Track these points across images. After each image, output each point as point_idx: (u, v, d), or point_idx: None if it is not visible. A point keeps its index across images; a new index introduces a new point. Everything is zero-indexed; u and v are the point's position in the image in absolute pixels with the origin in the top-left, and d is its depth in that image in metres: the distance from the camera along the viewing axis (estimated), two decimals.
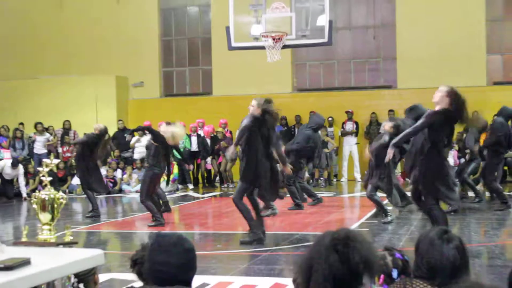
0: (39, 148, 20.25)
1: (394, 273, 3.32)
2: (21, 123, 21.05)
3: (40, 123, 20.50)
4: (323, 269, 2.43)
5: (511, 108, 13.26)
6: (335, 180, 20.55)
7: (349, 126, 20.74)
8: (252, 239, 9.31)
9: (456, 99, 7.95)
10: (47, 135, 20.55)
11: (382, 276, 3.30)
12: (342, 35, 21.81)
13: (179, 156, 15.50)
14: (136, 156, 20.01)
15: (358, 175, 20.37)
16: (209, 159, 20.14)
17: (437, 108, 8.08)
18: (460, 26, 20.39)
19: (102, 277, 6.60)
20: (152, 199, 11.87)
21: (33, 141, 20.36)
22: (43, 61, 23.44)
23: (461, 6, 20.43)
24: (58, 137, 20.97)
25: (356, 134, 20.66)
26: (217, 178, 20.51)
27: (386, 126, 11.36)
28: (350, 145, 20.63)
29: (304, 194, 14.01)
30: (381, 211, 11.40)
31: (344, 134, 20.72)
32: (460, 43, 20.31)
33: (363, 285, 2.45)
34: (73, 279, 3.68)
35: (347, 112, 20.67)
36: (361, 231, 10.25)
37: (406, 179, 19.76)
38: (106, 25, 23.15)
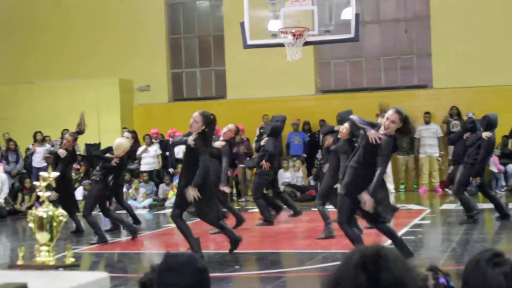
0: (39, 161, 19.97)
1: None
2: (7, 133, 21.10)
3: (40, 132, 20.53)
4: None
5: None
6: None
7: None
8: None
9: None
10: (48, 146, 20.47)
11: None
12: (370, 30, 21.76)
13: None
14: (144, 168, 20.01)
15: (391, 186, 20.26)
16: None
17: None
18: (503, 18, 20.27)
19: None
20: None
21: (32, 153, 20.23)
22: (38, 64, 23.57)
23: None
24: (57, 147, 21.01)
25: None
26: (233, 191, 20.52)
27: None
28: None
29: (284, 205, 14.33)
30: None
31: None
32: (502, 37, 20.20)
33: None
34: None
35: (377, 115, 20.55)
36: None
37: (446, 189, 19.66)
38: (107, 23, 23.26)
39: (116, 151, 12.59)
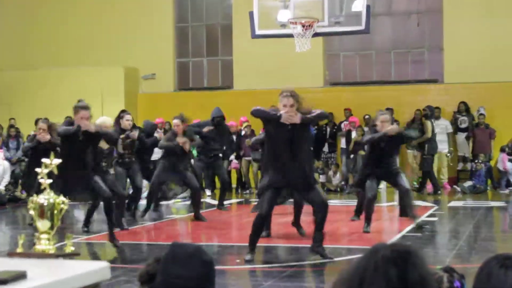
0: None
1: None
2: (12, 118, 21.14)
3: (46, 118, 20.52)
4: (379, 284, 2.39)
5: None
6: None
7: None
8: None
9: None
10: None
11: None
12: (381, 22, 21.71)
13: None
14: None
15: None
16: (232, 157, 20.02)
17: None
18: None
19: None
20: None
21: None
22: (42, 50, 23.59)
23: None
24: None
25: None
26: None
27: None
28: None
29: None
30: None
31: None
32: None
33: None
34: None
35: (386, 109, 20.54)
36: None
37: (454, 186, 19.63)
38: (113, 9, 23.25)
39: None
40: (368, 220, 11.48)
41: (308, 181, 8.92)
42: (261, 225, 9.19)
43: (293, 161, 8.81)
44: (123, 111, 13.78)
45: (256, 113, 9.06)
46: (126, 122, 13.23)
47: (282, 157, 8.84)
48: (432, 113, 19.87)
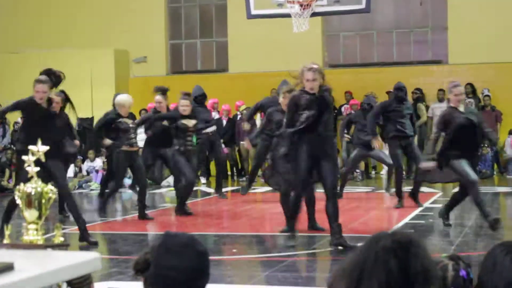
0: None
1: None
2: None
3: None
4: (379, 275, 2.40)
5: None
6: (373, 172, 20.47)
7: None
8: None
9: None
10: None
11: None
12: (383, 1, 21.66)
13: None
14: (139, 144, 19.96)
15: None
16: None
17: None
18: None
19: (98, 286, 6.62)
20: None
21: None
22: (28, 32, 23.49)
23: None
24: None
25: None
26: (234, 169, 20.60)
27: None
28: None
29: None
30: None
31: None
32: None
33: None
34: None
35: (388, 92, 20.53)
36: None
37: None
38: None
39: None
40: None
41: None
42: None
43: None
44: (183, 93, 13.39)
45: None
46: (180, 108, 12.73)
47: None
48: (423, 95, 20.04)
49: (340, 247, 9.01)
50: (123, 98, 12.80)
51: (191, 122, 12.57)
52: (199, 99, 15.25)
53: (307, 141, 8.99)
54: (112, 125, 12.54)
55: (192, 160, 12.63)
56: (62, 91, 11.71)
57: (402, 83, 13.78)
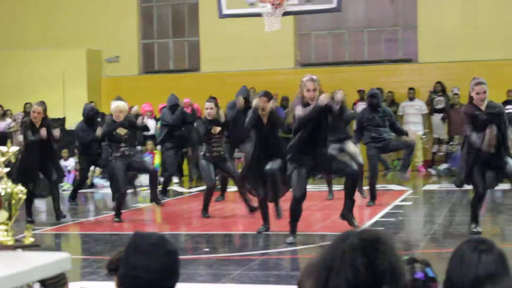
0: None
1: None
2: None
3: (0, 106, 20.41)
4: (346, 273, 2.42)
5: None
6: None
7: (361, 108, 20.68)
8: None
9: None
10: (8, 120, 20.31)
11: None
12: (354, 0, 21.75)
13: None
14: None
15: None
16: None
17: None
18: None
19: (71, 286, 6.61)
20: None
21: None
22: (0, 33, 23.34)
23: None
24: (18, 122, 20.82)
25: None
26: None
27: None
28: None
29: None
30: None
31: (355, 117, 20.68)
32: (492, 10, 20.29)
33: None
34: None
35: (359, 91, 20.66)
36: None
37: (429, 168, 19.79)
38: None
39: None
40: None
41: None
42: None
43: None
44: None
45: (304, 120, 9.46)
46: (205, 112, 13.02)
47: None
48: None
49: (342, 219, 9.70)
50: (119, 104, 12.92)
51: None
52: (173, 109, 15.20)
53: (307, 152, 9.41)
54: (113, 134, 12.58)
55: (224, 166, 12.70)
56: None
57: (375, 89, 13.84)
